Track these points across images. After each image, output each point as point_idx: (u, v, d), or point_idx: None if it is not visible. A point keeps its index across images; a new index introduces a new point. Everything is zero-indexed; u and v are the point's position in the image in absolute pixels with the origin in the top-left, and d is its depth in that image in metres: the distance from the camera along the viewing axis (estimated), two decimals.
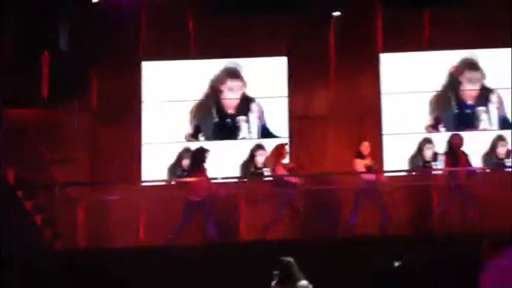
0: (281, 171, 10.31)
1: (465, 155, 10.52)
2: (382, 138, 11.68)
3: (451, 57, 11.87)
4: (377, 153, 11.41)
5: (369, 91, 11.77)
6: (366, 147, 10.48)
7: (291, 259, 6.47)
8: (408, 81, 11.91)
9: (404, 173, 11.47)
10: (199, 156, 10.19)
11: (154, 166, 11.39)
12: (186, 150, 11.13)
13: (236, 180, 11.00)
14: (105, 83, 11.23)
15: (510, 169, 11.18)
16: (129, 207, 10.00)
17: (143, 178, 11.28)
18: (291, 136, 11.60)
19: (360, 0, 10.63)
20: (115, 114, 11.35)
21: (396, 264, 7.69)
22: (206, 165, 10.18)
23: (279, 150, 10.58)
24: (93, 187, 10.92)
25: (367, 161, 10.44)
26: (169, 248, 9.58)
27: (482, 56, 11.81)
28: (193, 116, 11.62)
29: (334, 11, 10.93)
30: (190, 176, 10.34)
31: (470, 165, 10.53)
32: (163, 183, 11.25)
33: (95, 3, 10.49)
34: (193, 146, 10.96)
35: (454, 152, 10.47)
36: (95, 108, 11.30)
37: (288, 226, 10.25)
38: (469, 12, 11.22)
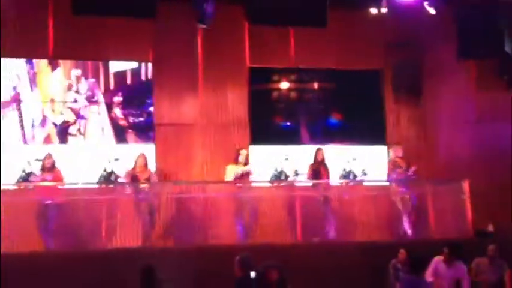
0: None
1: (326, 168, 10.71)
2: (249, 148, 11.61)
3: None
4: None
5: (237, 101, 11.75)
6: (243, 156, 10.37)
7: None
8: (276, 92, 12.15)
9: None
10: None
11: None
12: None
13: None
14: None
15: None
16: None
17: None
18: (156, 143, 11.33)
19: (227, 13, 10.63)
20: None
21: (252, 274, 7.53)
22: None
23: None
24: None
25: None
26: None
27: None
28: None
29: (201, 22, 10.75)
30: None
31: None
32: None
33: None
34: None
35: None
36: None
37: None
38: (332, 33, 11.45)
